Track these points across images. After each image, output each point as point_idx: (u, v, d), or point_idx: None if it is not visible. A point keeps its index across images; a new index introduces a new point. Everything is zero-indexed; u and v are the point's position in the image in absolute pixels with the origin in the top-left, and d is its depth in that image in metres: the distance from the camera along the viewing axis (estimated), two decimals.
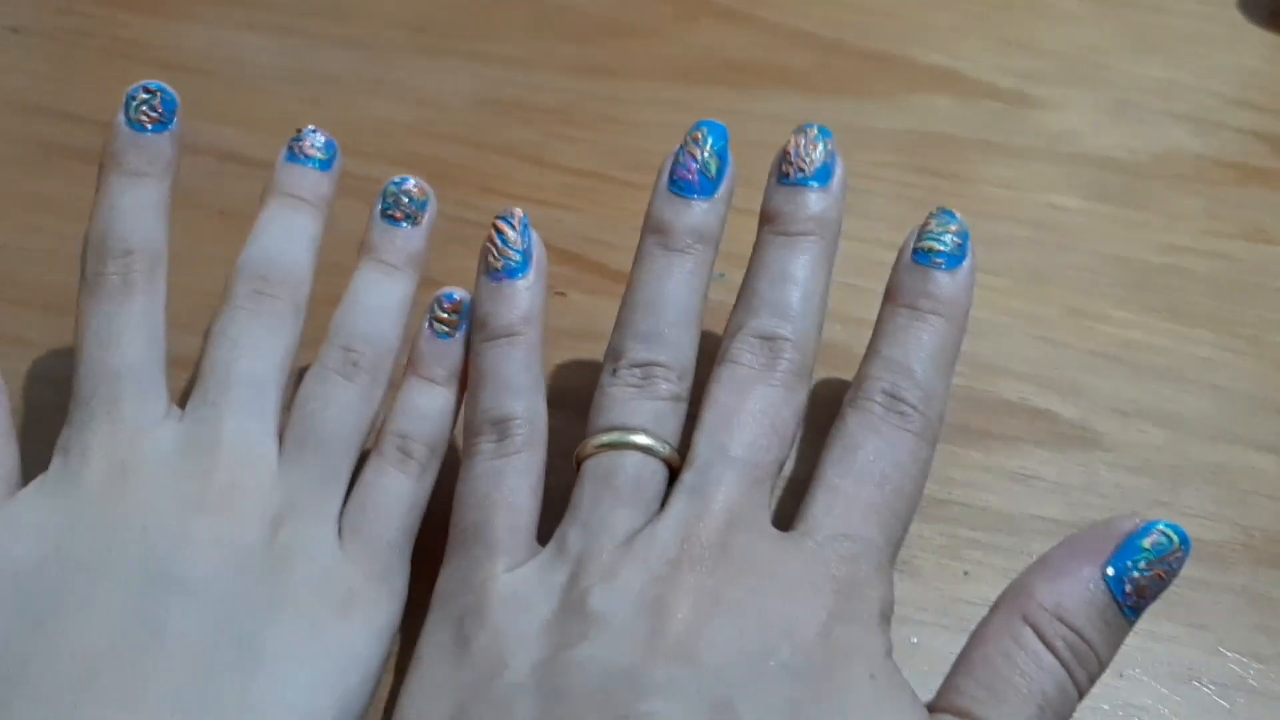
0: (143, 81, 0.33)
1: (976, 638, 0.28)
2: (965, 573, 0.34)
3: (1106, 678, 0.32)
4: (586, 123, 0.46)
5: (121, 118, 0.33)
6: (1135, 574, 0.27)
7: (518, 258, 0.33)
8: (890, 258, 0.40)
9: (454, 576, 0.30)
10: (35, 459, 0.32)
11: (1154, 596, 0.27)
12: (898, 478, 0.30)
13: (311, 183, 0.35)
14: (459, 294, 0.34)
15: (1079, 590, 0.27)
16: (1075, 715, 0.31)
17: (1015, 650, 0.27)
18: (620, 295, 0.40)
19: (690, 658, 0.26)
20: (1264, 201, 0.44)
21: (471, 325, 0.33)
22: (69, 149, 0.44)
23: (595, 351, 0.39)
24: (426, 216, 0.35)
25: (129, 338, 0.31)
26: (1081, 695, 0.27)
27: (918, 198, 0.43)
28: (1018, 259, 0.42)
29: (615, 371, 0.32)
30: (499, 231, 0.33)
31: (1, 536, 0.29)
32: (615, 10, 0.49)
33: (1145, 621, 0.33)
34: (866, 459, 0.30)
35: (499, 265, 0.33)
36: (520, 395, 0.32)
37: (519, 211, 0.33)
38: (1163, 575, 0.27)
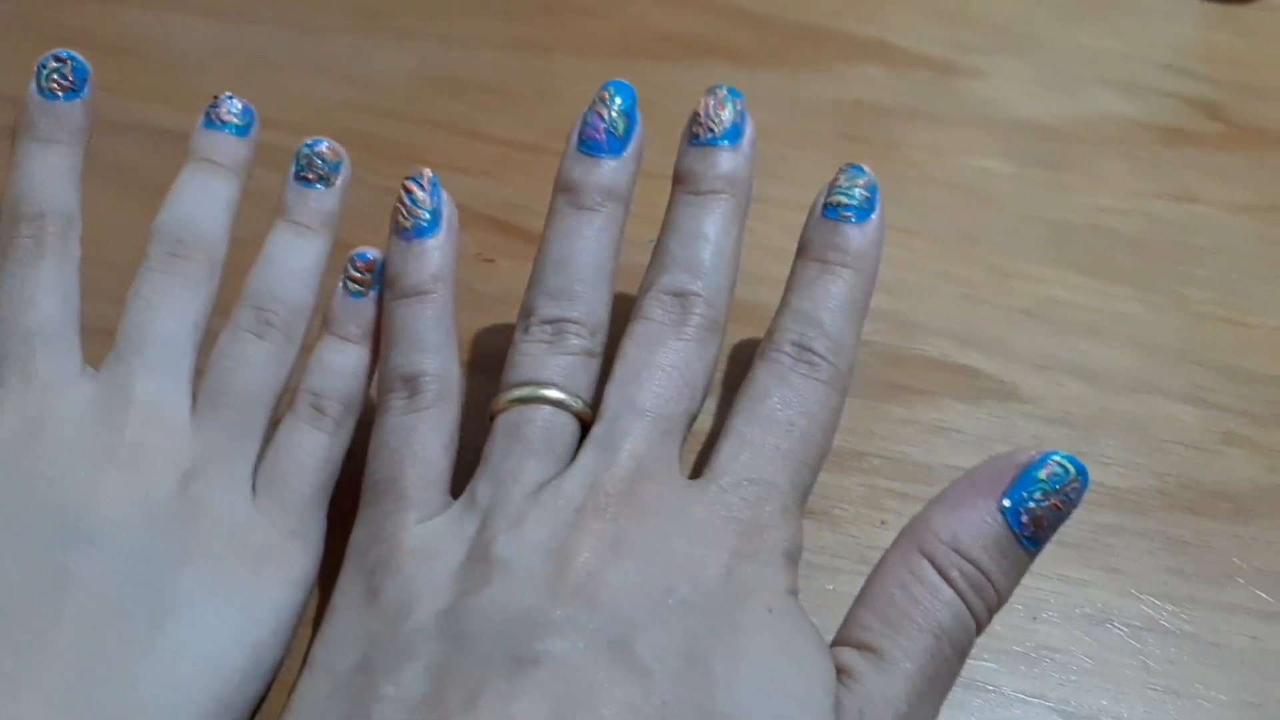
0: (53, 50, 0.34)
1: (876, 572, 0.28)
2: (882, 522, 0.35)
3: (1020, 621, 0.33)
4: (520, 96, 0.46)
5: (33, 86, 0.33)
6: (1031, 505, 0.27)
7: (427, 216, 0.33)
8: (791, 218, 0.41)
9: (366, 529, 0.31)
10: None
11: (1053, 527, 0.28)
12: (805, 424, 0.30)
13: (228, 147, 0.35)
14: (372, 253, 0.34)
15: (975, 522, 0.27)
16: (991, 664, 0.32)
17: (912, 582, 0.27)
18: None
19: (589, 598, 0.27)
20: (1191, 163, 0.44)
21: (383, 284, 0.34)
22: (7, 129, 0.44)
23: (515, 317, 0.39)
24: (340, 178, 0.35)
25: (41, 298, 0.32)
26: (980, 627, 0.28)
27: (835, 164, 0.44)
28: (944, 222, 0.42)
29: (527, 329, 0.32)
30: (408, 192, 0.33)
31: None
32: None
33: (1060, 565, 0.34)
34: (774, 407, 0.30)
35: (408, 224, 0.33)
36: (431, 352, 0.32)
37: (428, 171, 0.34)
38: (1060, 506, 0.27)
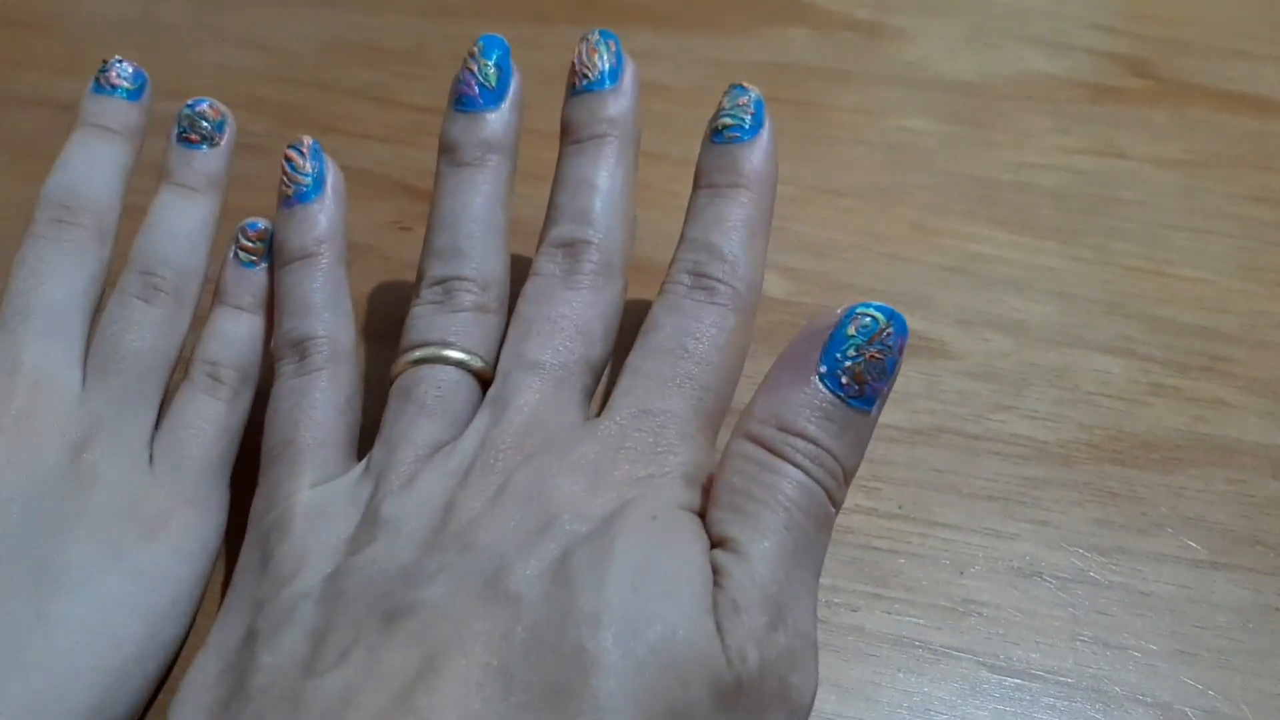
0: None
1: (716, 471, 0.27)
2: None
3: (947, 575, 0.32)
4: (436, 62, 0.45)
5: None
6: (848, 364, 0.26)
7: (308, 181, 0.33)
8: None
9: (262, 496, 0.30)
10: None
11: (880, 379, 0.26)
12: (700, 349, 0.29)
13: (118, 111, 0.34)
14: (262, 223, 0.33)
15: (795, 395, 0.26)
16: (919, 619, 0.31)
17: (749, 467, 0.26)
18: None
19: (468, 545, 0.26)
20: (1115, 118, 0.44)
21: (273, 253, 0.33)
22: None
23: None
24: (225, 137, 0.34)
25: None
26: (833, 498, 0.26)
27: (775, 127, 0.43)
28: (867, 180, 0.42)
29: (419, 292, 0.32)
30: (288, 160, 0.33)
31: None
32: None
33: (987, 520, 0.33)
34: (665, 336, 0.29)
35: (290, 191, 0.33)
36: (318, 314, 0.31)
37: (308, 139, 0.33)
38: (878, 356, 0.26)
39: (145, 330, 0.31)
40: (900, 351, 0.26)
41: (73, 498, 0.29)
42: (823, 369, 0.26)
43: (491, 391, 0.30)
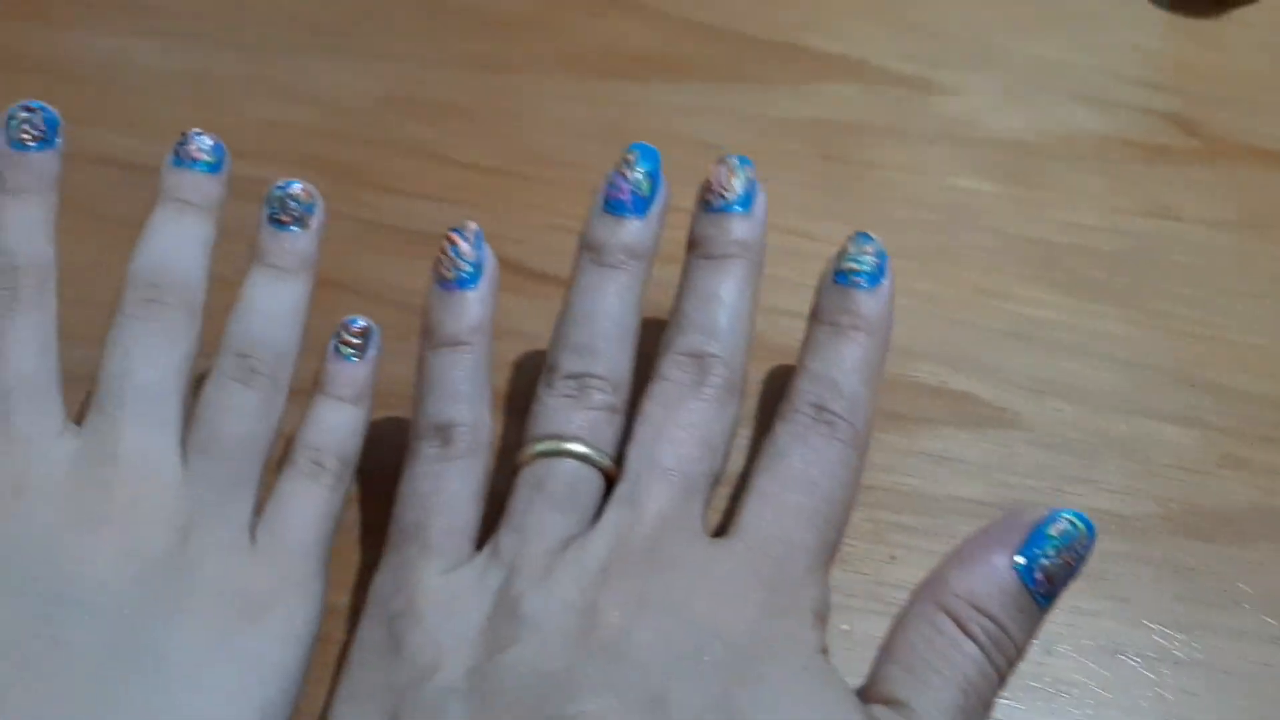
0: (22, 101, 0.33)
1: (898, 627, 0.28)
2: (892, 557, 0.34)
3: (1035, 655, 0.32)
4: (487, 119, 0.45)
5: (1, 137, 0.32)
6: (1044, 562, 0.28)
7: (469, 269, 0.33)
8: (802, 246, 0.40)
9: (388, 576, 0.30)
10: None
11: (1064, 583, 0.28)
12: (827, 484, 0.30)
13: (199, 185, 0.34)
14: (364, 321, 0.34)
15: (992, 579, 0.28)
16: (1010, 700, 0.32)
17: (935, 636, 0.27)
18: (532, 292, 0.40)
19: (621, 656, 0.26)
20: (1167, 178, 0.44)
21: (421, 331, 0.33)
22: None
23: (507, 349, 0.38)
24: (315, 219, 0.34)
25: (19, 352, 0.31)
26: (1003, 679, 0.28)
27: (826, 185, 0.43)
28: (924, 241, 0.42)
29: (551, 383, 0.32)
30: (451, 243, 0.33)
31: None
32: (511, 4, 0.48)
33: (1070, 597, 0.33)
34: (795, 466, 0.30)
35: (450, 275, 0.33)
36: (465, 402, 0.32)
37: (473, 225, 0.33)
38: (1071, 562, 0.28)
39: (244, 414, 0.31)
40: (1086, 560, 0.28)
41: (180, 586, 0.29)
42: (1021, 560, 0.27)
43: (622, 490, 0.30)
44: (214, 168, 0.34)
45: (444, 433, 0.31)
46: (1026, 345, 0.39)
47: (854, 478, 0.31)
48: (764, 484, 0.30)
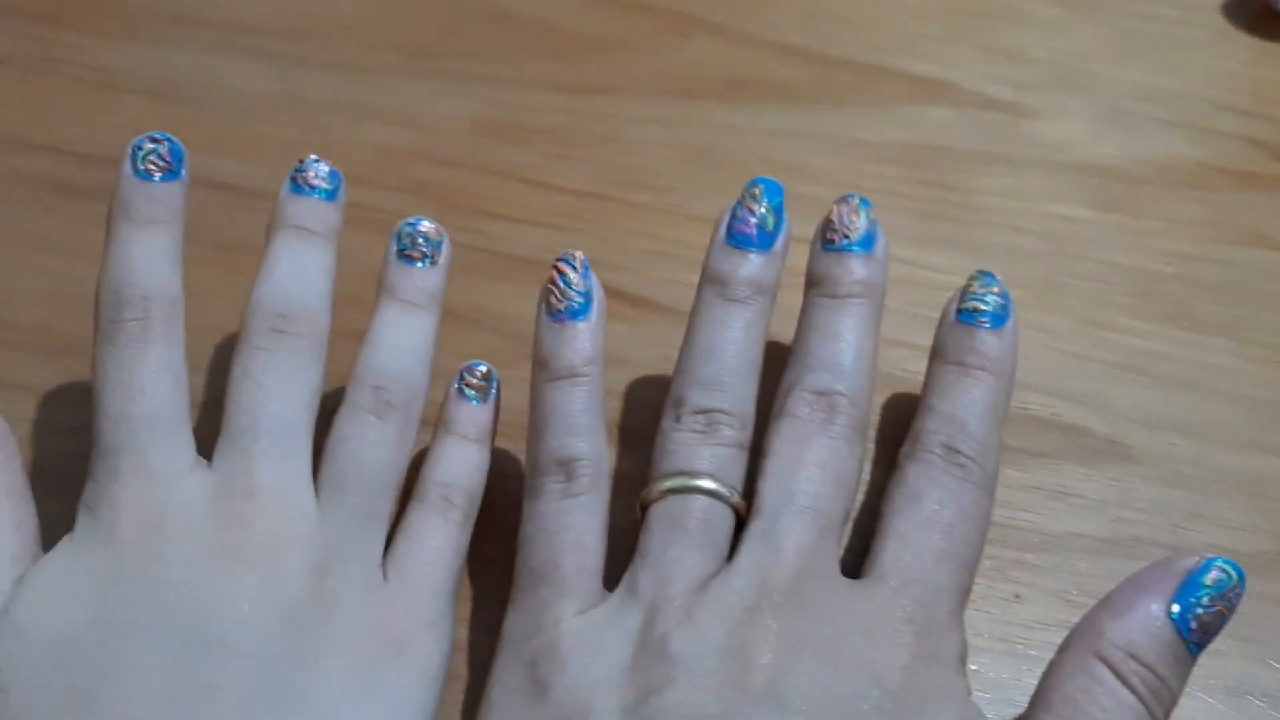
0: (148, 132, 0.33)
1: (1052, 677, 0.28)
2: (1017, 596, 0.34)
3: None
4: (584, 142, 0.45)
5: (128, 167, 0.32)
6: (1199, 610, 0.27)
7: (580, 299, 0.33)
8: (904, 273, 0.40)
9: (523, 618, 0.30)
10: (47, 511, 0.31)
11: (1217, 632, 0.28)
12: (964, 528, 0.30)
13: (319, 213, 0.34)
14: (485, 365, 0.34)
15: (1148, 628, 0.27)
16: None
17: (1094, 687, 0.27)
18: (635, 318, 0.40)
19: (781, 701, 0.26)
20: (1263, 207, 0.44)
21: (534, 364, 0.33)
22: (58, 184, 0.42)
23: (612, 376, 0.38)
24: (443, 255, 0.34)
25: (151, 386, 0.30)
26: None
27: (925, 211, 0.43)
28: (1030, 270, 0.42)
29: (678, 418, 0.32)
30: (561, 274, 0.33)
31: (36, 607, 0.28)
32: (604, 27, 0.48)
33: None
34: (932, 508, 0.31)
35: (561, 307, 0.33)
36: (585, 435, 0.32)
37: (580, 254, 0.33)
38: (1224, 611, 0.28)
39: (379, 447, 0.31)
40: (1237, 608, 0.28)
41: (320, 625, 0.29)
42: (1176, 608, 0.27)
43: (758, 527, 0.30)
44: (331, 195, 0.34)
45: (566, 468, 0.31)
46: (1137, 378, 0.39)
47: (986, 520, 0.32)
48: (901, 526, 0.30)
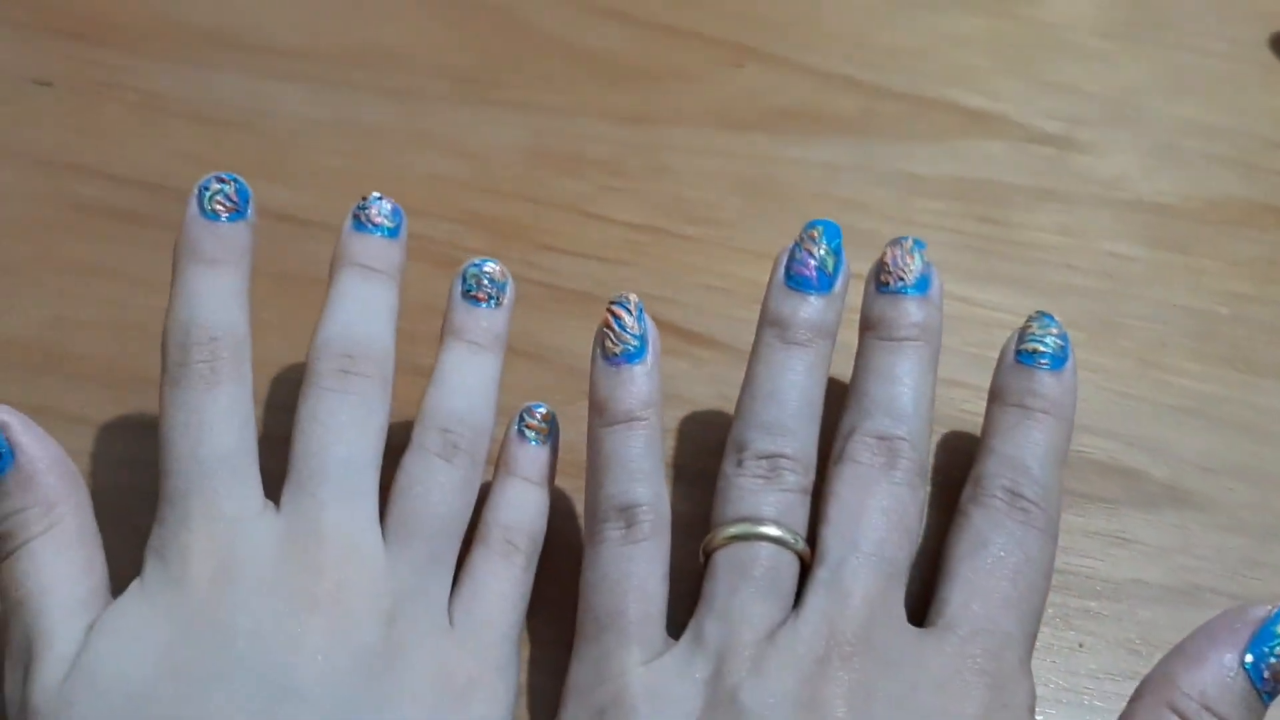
0: (215, 172, 0.33)
1: None
2: (1080, 645, 0.34)
3: None
4: (636, 173, 0.45)
5: (195, 207, 0.32)
6: (1272, 660, 0.27)
7: (635, 342, 0.33)
8: (958, 311, 0.40)
9: (588, 667, 0.30)
10: (106, 543, 0.31)
11: None
12: (1030, 573, 0.30)
13: (382, 251, 0.34)
14: (545, 407, 0.34)
15: (1221, 678, 0.27)
16: None
17: None
18: (692, 355, 0.40)
19: None
20: None
21: (591, 408, 0.33)
22: (111, 210, 0.42)
23: (668, 414, 0.38)
24: (508, 297, 0.35)
25: (220, 428, 0.30)
26: None
27: (978, 247, 0.43)
28: (1085, 309, 0.41)
29: (741, 462, 0.32)
30: (615, 317, 0.33)
31: (110, 654, 0.28)
32: (656, 57, 0.48)
33: None
34: (998, 554, 0.31)
35: (617, 350, 0.33)
36: (644, 481, 0.32)
37: (634, 297, 0.33)
38: None
39: (447, 491, 0.31)
40: None
41: (390, 672, 0.29)
42: (1249, 658, 0.27)
43: (824, 574, 0.30)
44: (394, 232, 0.34)
45: (627, 514, 0.31)
46: (1195, 421, 0.39)
47: (1050, 565, 0.31)
48: (967, 572, 0.30)
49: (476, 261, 0.34)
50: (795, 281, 0.34)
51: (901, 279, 0.34)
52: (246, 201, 0.33)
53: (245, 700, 0.27)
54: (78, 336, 0.39)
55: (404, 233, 0.35)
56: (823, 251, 0.34)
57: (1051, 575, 0.32)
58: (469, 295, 0.34)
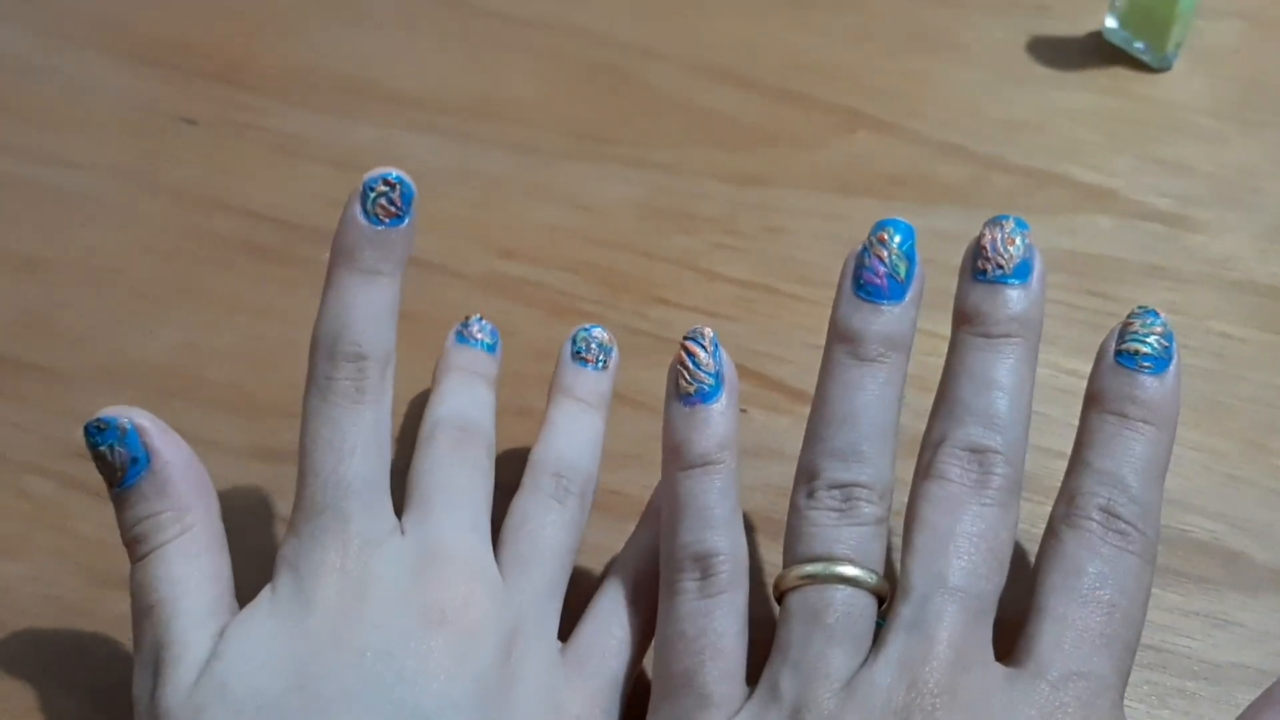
0: (381, 171, 0.32)
1: None
2: None
3: None
4: (749, 232, 0.46)
5: (357, 210, 0.31)
6: None
7: (710, 380, 0.31)
8: (1070, 384, 0.40)
9: None
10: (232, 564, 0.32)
11: None
12: (1125, 605, 0.29)
13: (482, 363, 0.37)
14: (598, 330, 0.37)
15: None
16: None
17: None
18: (797, 413, 0.40)
19: None
20: None
21: (665, 452, 0.32)
22: (249, 246, 0.44)
23: (770, 472, 0.38)
24: (613, 361, 0.37)
25: (362, 450, 0.31)
26: None
27: (1090, 321, 0.43)
28: (1191, 388, 0.41)
29: (812, 493, 0.30)
30: (689, 353, 0.31)
31: (241, 663, 0.28)
32: (769, 120, 0.49)
33: None
34: (1092, 585, 0.29)
35: (691, 389, 0.31)
36: (721, 528, 0.30)
37: (709, 331, 0.32)
38: None
39: (559, 529, 0.32)
40: None
41: (506, 700, 0.29)
42: None
43: (906, 613, 0.28)
44: (491, 348, 0.37)
45: (703, 563, 0.30)
46: None
47: (1147, 594, 0.29)
48: (1058, 606, 0.28)
49: (586, 327, 0.37)
50: (865, 291, 0.31)
51: (1000, 266, 0.31)
52: (409, 204, 0.32)
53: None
54: (210, 363, 0.41)
55: (499, 351, 0.38)
56: (894, 256, 0.31)
57: (1147, 604, 0.29)
58: (578, 357, 0.36)
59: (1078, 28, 0.53)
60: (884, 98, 0.50)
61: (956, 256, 0.45)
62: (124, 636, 0.35)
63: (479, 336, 0.37)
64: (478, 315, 0.37)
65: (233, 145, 0.47)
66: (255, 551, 0.33)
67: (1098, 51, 0.52)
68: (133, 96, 0.50)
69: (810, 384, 0.41)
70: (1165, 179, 0.48)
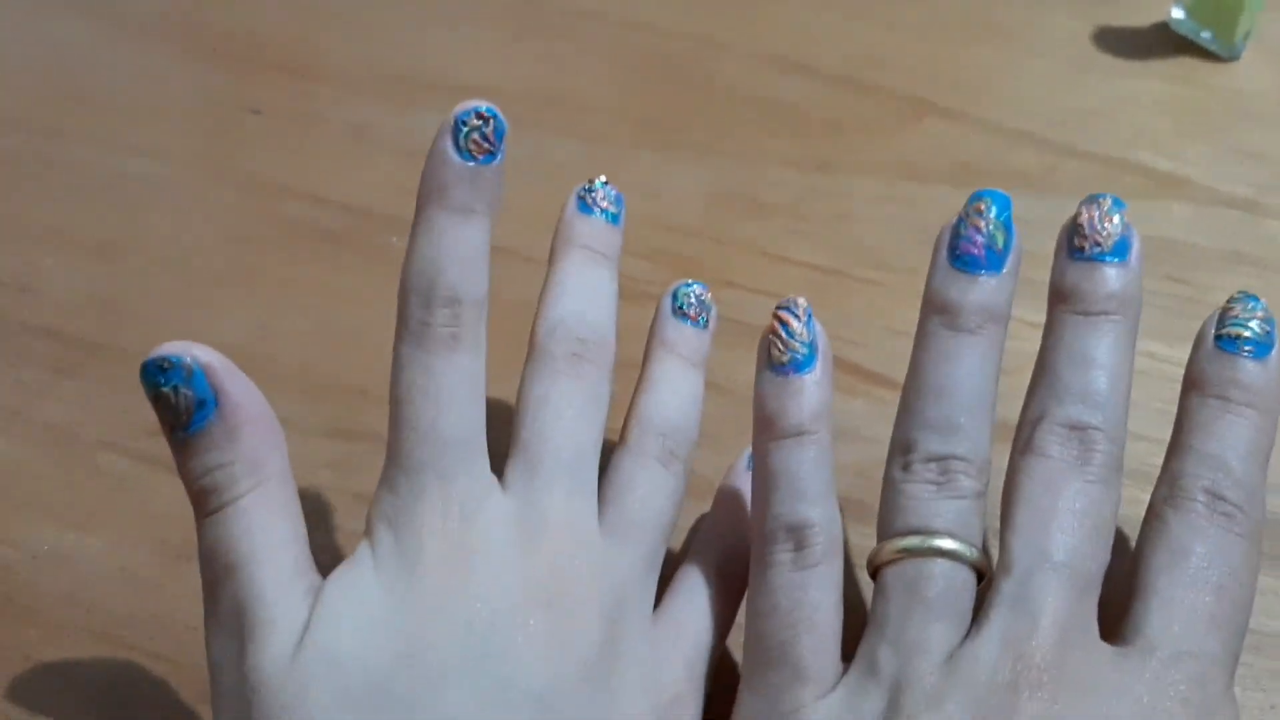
0: (473, 104, 0.30)
1: None
2: (1273, 706, 0.33)
3: None
4: (818, 219, 0.45)
5: (449, 145, 0.30)
6: None
7: (804, 350, 0.30)
8: (1149, 367, 0.39)
9: (760, 703, 0.29)
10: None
11: None
12: (1234, 587, 0.28)
13: (605, 235, 0.34)
14: (698, 285, 0.35)
15: None
16: None
17: None
18: (873, 395, 0.40)
19: None
20: None
21: (756, 423, 0.31)
22: (317, 230, 0.44)
23: (846, 452, 0.38)
24: (713, 320, 0.35)
25: (460, 401, 0.29)
26: None
27: (1171, 307, 0.42)
28: None
29: (908, 466, 0.30)
30: (783, 323, 0.31)
31: (350, 632, 0.27)
32: (835, 108, 0.49)
33: None
34: (1200, 566, 0.28)
35: (784, 359, 0.30)
36: (816, 500, 0.29)
37: (803, 300, 0.31)
38: None
39: (665, 496, 0.31)
40: None
41: (608, 677, 0.28)
42: None
43: (1008, 588, 0.28)
44: (615, 218, 0.34)
45: (797, 535, 0.29)
46: None
47: (1255, 577, 0.29)
48: (1166, 586, 0.28)
49: (686, 283, 0.34)
50: (962, 261, 0.31)
51: (1098, 244, 0.31)
52: (502, 138, 0.30)
53: (483, 701, 0.26)
54: (280, 344, 0.41)
55: (623, 220, 0.34)
56: (991, 226, 0.31)
57: (1255, 586, 0.29)
58: (680, 312, 0.34)
59: (1144, 18, 0.52)
60: (951, 86, 0.50)
61: (1032, 243, 0.44)
62: (200, 609, 0.34)
63: (604, 205, 0.33)
64: (602, 178, 0.34)
65: (299, 134, 0.48)
66: (330, 530, 0.33)
67: (1165, 41, 0.51)
68: (201, 88, 0.50)
69: (883, 367, 0.41)
70: (1239, 166, 0.47)
